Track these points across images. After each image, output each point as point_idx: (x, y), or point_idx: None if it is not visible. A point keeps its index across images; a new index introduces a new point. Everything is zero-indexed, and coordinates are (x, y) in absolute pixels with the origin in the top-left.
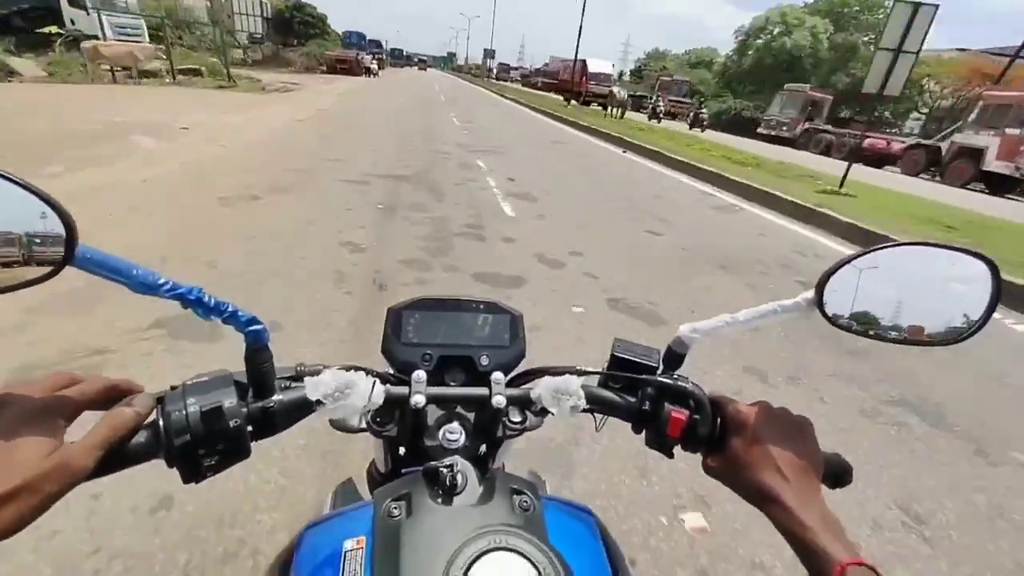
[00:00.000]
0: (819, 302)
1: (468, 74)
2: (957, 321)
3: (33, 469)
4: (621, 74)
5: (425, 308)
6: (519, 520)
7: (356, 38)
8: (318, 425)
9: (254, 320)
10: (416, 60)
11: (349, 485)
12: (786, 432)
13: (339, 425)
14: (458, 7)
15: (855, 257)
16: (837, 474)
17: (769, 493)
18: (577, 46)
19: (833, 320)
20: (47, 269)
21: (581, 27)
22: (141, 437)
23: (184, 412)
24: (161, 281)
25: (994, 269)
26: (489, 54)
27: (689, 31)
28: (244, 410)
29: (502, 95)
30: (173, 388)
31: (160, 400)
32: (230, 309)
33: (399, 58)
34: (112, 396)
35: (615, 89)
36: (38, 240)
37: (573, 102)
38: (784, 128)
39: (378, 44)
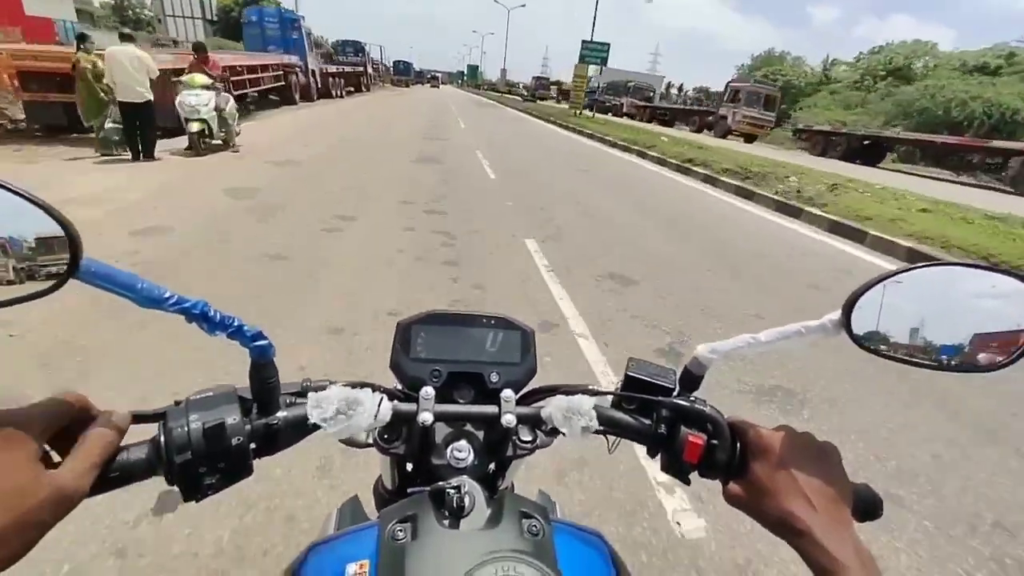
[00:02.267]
0: (847, 324)
1: (517, 97)
2: None
3: (28, 499)
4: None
5: (435, 323)
6: (528, 546)
7: (273, 21)
8: None
9: (260, 335)
10: (428, 76)
11: (355, 503)
12: (812, 459)
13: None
14: (475, 21)
15: (885, 278)
16: (867, 507)
17: (797, 523)
18: None
19: (861, 342)
20: (50, 283)
21: None
22: (141, 453)
23: (186, 429)
24: (167, 295)
25: None
26: (597, 54)
27: (704, 44)
28: (247, 427)
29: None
30: (177, 403)
31: (162, 416)
32: (235, 324)
33: (404, 73)
34: (74, 413)
35: None
36: (42, 253)
37: None
38: None
39: (357, 47)
